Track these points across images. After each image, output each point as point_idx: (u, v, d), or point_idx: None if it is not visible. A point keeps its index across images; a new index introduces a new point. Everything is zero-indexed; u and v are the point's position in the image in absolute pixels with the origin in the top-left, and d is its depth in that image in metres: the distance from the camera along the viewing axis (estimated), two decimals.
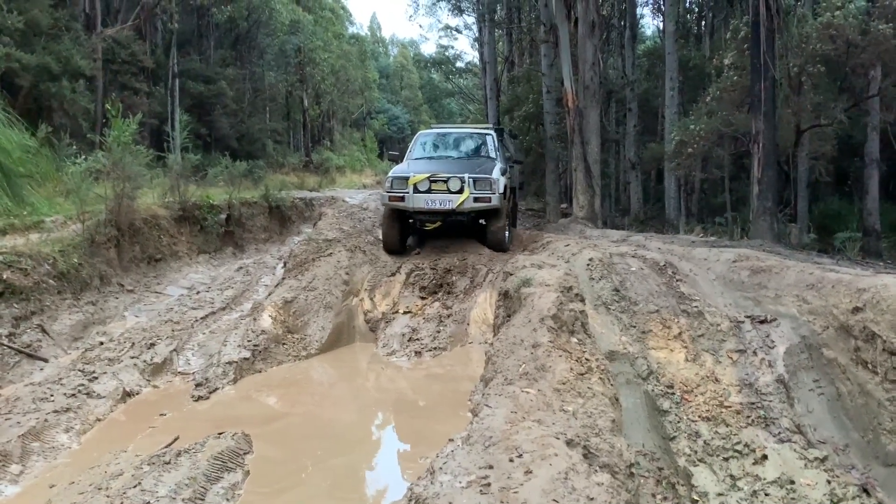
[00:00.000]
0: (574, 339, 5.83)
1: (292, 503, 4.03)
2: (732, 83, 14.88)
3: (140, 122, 10.86)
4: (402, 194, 10.05)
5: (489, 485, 3.37)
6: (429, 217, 10.37)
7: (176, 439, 4.91)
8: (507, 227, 10.70)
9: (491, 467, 3.56)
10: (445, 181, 9.96)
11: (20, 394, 6.04)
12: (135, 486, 3.88)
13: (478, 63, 33.42)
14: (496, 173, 10.28)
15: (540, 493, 3.23)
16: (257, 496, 4.15)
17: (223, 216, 12.55)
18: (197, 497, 3.92)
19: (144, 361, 6.98)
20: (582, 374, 5.13)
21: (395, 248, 10.70)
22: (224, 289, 10.02)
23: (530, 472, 3.45)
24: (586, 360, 5.43)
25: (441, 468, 3.68)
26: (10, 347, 7.10)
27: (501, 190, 10.10)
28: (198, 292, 9.86)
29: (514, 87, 26.38)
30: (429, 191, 9.97)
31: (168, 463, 4.24)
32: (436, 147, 12.06)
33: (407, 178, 10.09)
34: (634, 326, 6.75)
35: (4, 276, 7.53)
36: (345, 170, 35.94)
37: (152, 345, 7.43)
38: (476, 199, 9.87)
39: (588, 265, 7.97)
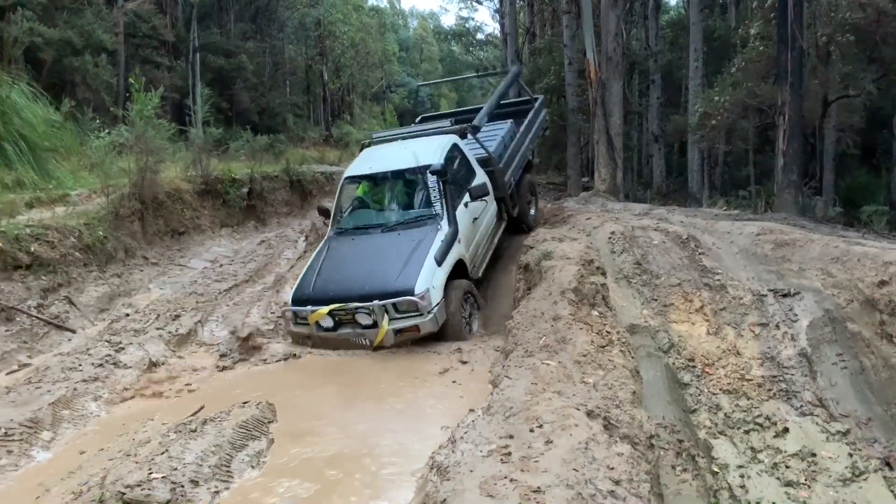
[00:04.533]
0: (595, 312, 5.83)
1: (316, 470, 4.09)
2: (758, 53, 14.63)
3: (162, 96, 10.93)
4: (306, 332, 7.00)
5: (510, 454, 3.41)
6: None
7: (201, 408, 5.00)
8: (471, 315, 7.34)
9: (511, 437, 3.60)
10: (352, 314, 6.77)
11: (50, 363, 6.18)
12: (162, 453, 3.97)
13: (498, 35, 33.09)
14: (427, 270, 6.83)
15: (560, 463, 3.26)
16: (282, 463, 4.23)
17: (245, 190, 12.61)
18: (223, 464, 4.00)
19: (170, 333, 7.10)
20: (603, 347, 5.14)
21: None
22: (247, 262, 10.11)
23: (551, 442, 3.48)
24: (607, 332, 5.43)
25: (462, 437, 3.73)
26: (39, 318, 7.24)
27: (438, 298, 6.76)
28: (221, 265, 9.95)
29: (536, 58, 26.09)
30: (337, 326, 6.84)
31: (194, 431, 4.33)
32: (365, 203, 8.53)
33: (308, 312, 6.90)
34: (656, 300, 6.74)
35: (32, 249, 7.66)
36: None
37: (177, 316, 7.54)
38: (400, 332, 6.62)
39: (609, 238, 7.95)
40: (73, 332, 7.36)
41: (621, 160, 17.51)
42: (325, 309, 6.72)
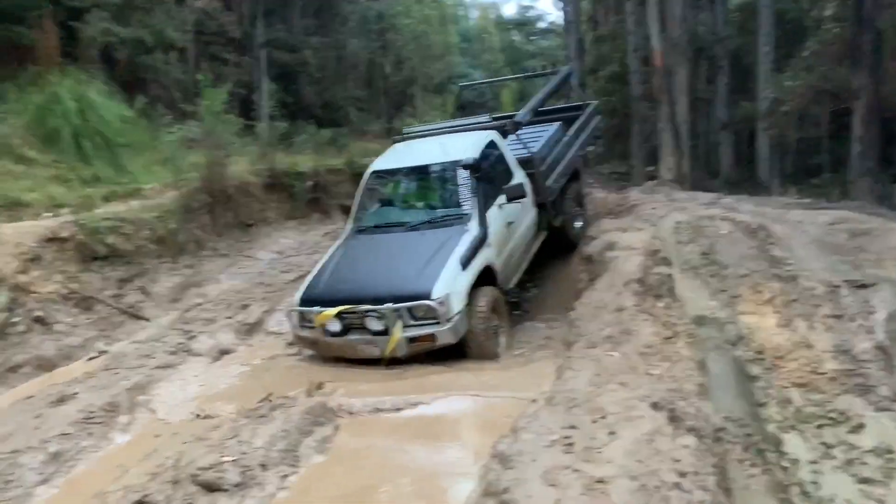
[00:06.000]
0: (660, 304, 5.74)
1: (380, 457, 4.17)
2: (833, 36, 14.10)
3: (229, 91, 11.20)
4: (311, 336, 6.37)
5: (573, 444, 3.40)
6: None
7: (270, 395, 5.14)
8: (498, 329, 6.52)
9: (574, 428, 3.59)
10: (362, 317, 6.09)
11: (126, 351, 6.48)
12: (233, 438, 4.11)
13: (560, 23, 32.75)
14: (448, 273, 6.11)
15: (624, 454, 3.24)
16: (347, 449, 4.32)
17: (310, 183, 12.84)
18: (290, 449, 4.11)
19: (239, 322, 7.34)
20: (668, 339, 5.07)
21: None
22: (312, 253, 10.28)
23: (614, 434, 3.46)
24: (673, 324, 5.35)
25: (524, 427, 3.73)
26: (115, 308, 7.57)
27: (460, 305, 6.01)
28: (287, 256, 10.18)
29: (599, 46, 25.74)
30: (345, 331, 6.16)
31: (263, 416, 4.47)
32: (389, 200, 7.90)
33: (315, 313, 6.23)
34: (724, 291, 6.57)
35: (109, 241, 8.01)
36: None
37: (246, 306, 7.77)
38: (414, 340, 5.93)
39: (675, 228, 7.79)
40: (148, 320, 7.67)
41: (687, 148, 17.15)
42: (332, 311, 6.05)
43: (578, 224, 9.35)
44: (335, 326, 6.12)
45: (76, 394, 5.39)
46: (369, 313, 6.00)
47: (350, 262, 6.92)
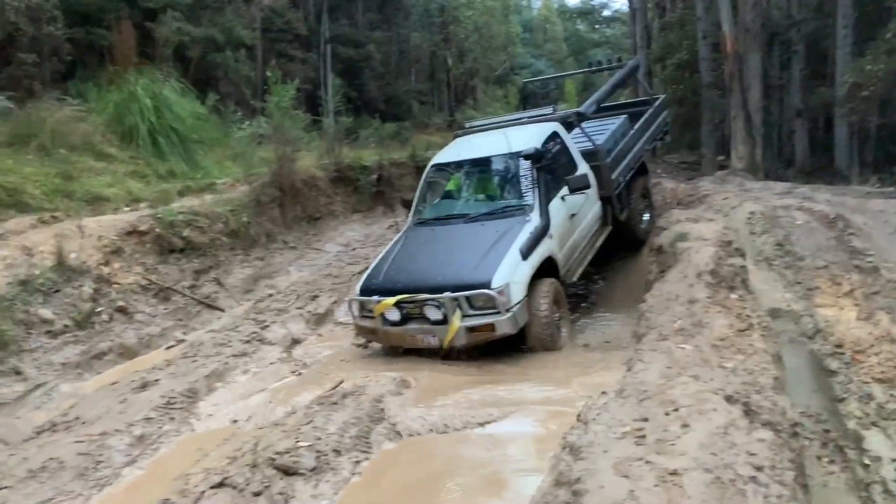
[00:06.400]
0: (733, 296, 5.61)
1: (449, 446, 4.21)
2: None
3: (296, 87, 11.41)
4: (371, 325, 6.35)
5: (644, 436, 3.36)
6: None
7: (340, 383, 5.24)
8: (559, 321, 6.39)
9: (646, 420, 3.54)
10: (420, 306, 6.07)
11: (203, 340, 6.71)
12: (307, 423, 4.22)
13: (626, 10, 32.15)
14: (508, 262, 6.02)
15: (698, 447, 3.19)
16: (416, 437, 4.38)
17: (374, 176, 13.00)
18: (362, 435, 4.20)
19: (309, 312, 7.52)
20: (742, 331, 4.95)
21: None
22: (377, 245, 10.41)
23: (687, 426, 3.41)
24: (747, 316, 5.22)
25: (594, 419, 3.71)
26: (192, 298, 7.84)
27: (520, 295, 5.94)
28: (353, 248, 10.36)
29: (667, 33, 25.12)
30: (403, 320, 6.16)
31: (335, 404, 4.57)
32: (450, 193, 7.71)
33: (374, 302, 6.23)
34: (800, 283, 6.39)
35: (185, 234, 8.30)
36: None
37: (315, 297, 7.94)
38: (472, 330, 5.84)
39: (749, 219, 7.60)
40: (222, 310, 7.92)
41: (760, 137, 16.62)
42: (391, 300, 6.02)
43: (645, 219, 9.14)
44: (394, 315, 6.12)
45: (157, 380, 5.63)
46: (428, 302, 5.96)
47: (410, 252, 6.88)
